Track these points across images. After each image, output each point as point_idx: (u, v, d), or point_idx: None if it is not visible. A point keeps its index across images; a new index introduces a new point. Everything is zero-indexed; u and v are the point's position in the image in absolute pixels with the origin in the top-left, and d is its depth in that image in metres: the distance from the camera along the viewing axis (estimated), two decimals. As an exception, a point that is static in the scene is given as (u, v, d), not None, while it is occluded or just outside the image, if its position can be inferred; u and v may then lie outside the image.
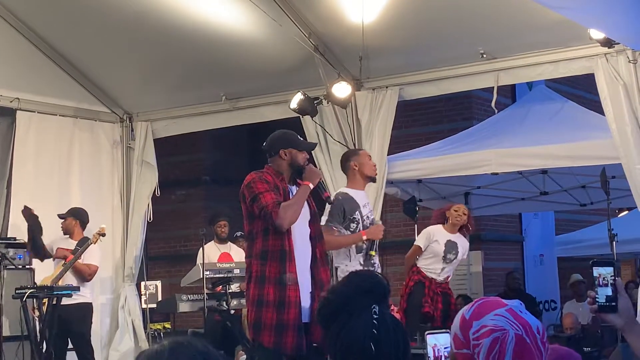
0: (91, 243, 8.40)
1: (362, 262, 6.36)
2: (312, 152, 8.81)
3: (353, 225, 6.32)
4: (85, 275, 8.41)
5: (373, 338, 2.09)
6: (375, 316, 2.13)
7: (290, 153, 5.27)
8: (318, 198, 5.53)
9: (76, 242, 8.46)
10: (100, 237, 8.48)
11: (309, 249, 5.25)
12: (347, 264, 6.32)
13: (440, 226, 8.23)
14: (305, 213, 5.27)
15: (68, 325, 8.21)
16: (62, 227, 8.58)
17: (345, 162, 6.65)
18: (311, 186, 5.21)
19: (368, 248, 6.37)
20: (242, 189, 5.18)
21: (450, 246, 8.10)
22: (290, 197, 5.22)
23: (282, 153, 5.27)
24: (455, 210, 8.22)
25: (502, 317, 2.15)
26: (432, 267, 8.09)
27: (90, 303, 8.56)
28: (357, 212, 6.34)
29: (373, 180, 6.66)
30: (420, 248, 8.13)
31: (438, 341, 2.28)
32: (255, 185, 5.11)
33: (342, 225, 6.30)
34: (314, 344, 5.19)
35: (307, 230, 5.28)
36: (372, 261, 6.37)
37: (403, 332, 2.19)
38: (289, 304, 5.04)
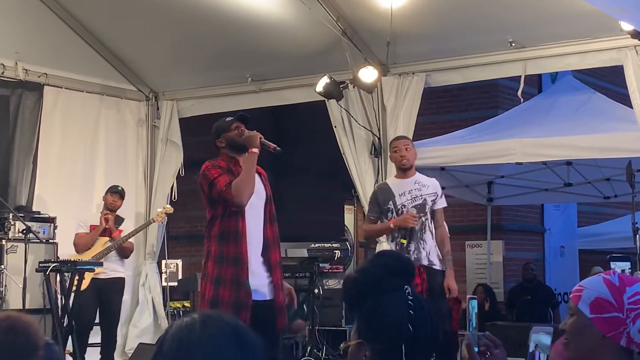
0: (153, 221, 8.65)
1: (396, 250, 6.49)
2: (337, 136, 8.86)
3: (389, 215, 6.53)
4: (128, 253, 8.63)
5: (410, 318, 2.09)
6: (410, 297, 2.13)
7: (222, 140, 5.34)
8: (272, 155, 5.47)
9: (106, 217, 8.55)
10: (166, 216, 8.69)
11: (260, 232, 5.33)
12: None
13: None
14: (260, 196, 5.33)
15: (109, 298, 8.37)
16: (118, 204, 8.64)
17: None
18: (255, 151, 5.22)
19: (400, 236, 6.44)
20: (199, 180, 5.29)
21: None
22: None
23: (218, 143, 5.36)
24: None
25: None
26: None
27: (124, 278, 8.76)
28: (390, 202, 6.54)
29: (403, 170, 6.66)
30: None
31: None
32: (209, 172, 5.22)
33: (383, 214, 6.58)
34: (278, 330, 5.31)
35: (262, 213, 5.35)
36: (409, 249, 6.39)
37: (434, 312, 2.19)
38: (239, 284, 5.16)
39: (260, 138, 5.28)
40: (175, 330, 1.74)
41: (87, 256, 8.22)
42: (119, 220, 8.65)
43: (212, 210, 5.30)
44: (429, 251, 6.49)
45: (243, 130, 5.33)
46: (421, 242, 6.49)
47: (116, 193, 8.61)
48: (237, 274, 5.15)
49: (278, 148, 5.38)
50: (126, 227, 8.71)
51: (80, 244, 8.41)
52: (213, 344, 1.69)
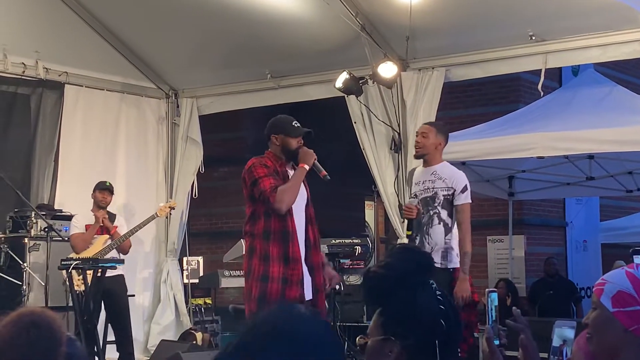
0: (157, 216, 8.62)
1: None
2: (357, 132, 8.84)
3: None
4: (127, 249, 8.50)
5: (442, 313, 2.06)
6: (437, 292, 2.10)
7: (280, 138, 5.37)
8: (319, 178, 5.53)
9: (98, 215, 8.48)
10: (171, 210, 8.66)
11: (303, 233, 5.39)
12: None
13: None
14: (303, 196, 5.40)
15: (114, 296, 8.31)
16: (108, 200, 8.58)
17: None
18: (306, 167, 5.31)
19: (406, 228, 6.37)
20: (243, 174, 5.33)
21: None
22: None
23: (273, 138, 5.39)
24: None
25: None
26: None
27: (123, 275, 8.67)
28: (410, 189, 6.44)
29: (418, 157, 6.43)
30: None
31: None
32: (255, 170, 5.26)
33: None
34: None
35: (303, 214, 5.42)
36: (416, 241, 6.20)
37: (455, 307, 2.16)
38: (291, 283, 5.23)
39: (315, 159, 5.37)
40: (269, 316, 1.70)
41: (88, 255, 8.16)
42: (111, 217, 8.53)
43: (254, 207, 5.33)
44: (434, 247, 6.16)
45: (302, 144, 5.41)
46: (426, 236, 6.20)
47: (105, 189, 8.39)
48: (286, 273, 5.22)
49: (328, 177, 5.48)
50: (134, 224, 8.68)
51: (79, 244, 8.24)
52: (310, 336, 1.66)
